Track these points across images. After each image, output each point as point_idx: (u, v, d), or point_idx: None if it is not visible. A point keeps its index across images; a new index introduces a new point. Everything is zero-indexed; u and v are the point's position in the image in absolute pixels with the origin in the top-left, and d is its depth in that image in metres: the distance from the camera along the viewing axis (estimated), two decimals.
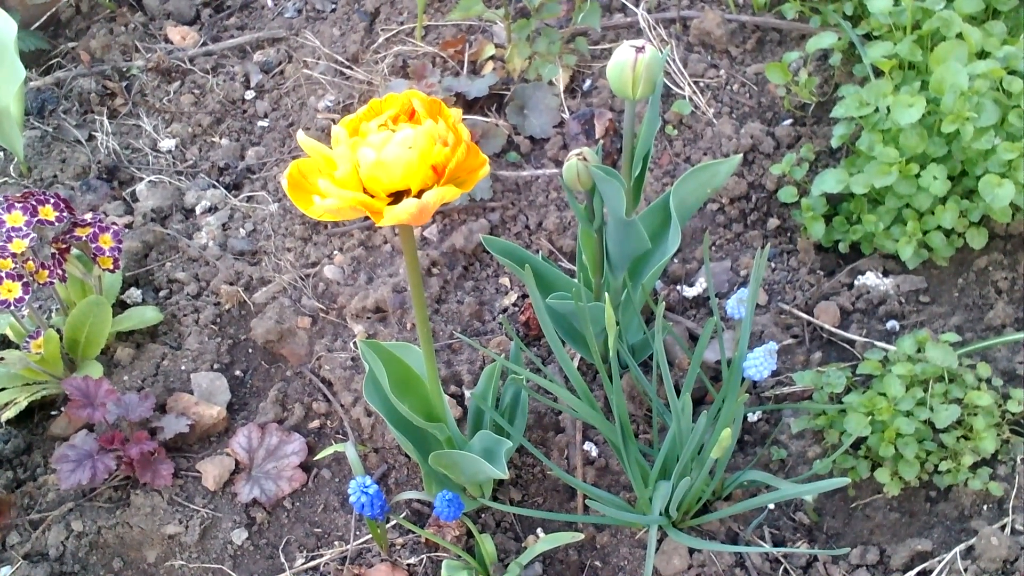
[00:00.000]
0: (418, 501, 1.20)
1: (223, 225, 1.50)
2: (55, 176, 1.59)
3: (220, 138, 1.66)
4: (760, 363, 1.03)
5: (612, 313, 0.99)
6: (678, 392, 1.07)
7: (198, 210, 1.53)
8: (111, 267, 1.24)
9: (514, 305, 1.37)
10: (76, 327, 1.26)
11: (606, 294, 1.10)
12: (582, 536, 1.12)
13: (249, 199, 1.54)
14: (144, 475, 1.16)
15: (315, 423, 1.27)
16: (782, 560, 1.13)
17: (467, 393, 1.26)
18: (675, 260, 1.40)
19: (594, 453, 1.23)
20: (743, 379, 1.03)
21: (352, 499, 1.00)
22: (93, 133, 1.67)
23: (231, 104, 1.70)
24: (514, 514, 1.19)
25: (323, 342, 1.33)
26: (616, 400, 1.08)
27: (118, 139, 1.66)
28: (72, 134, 1.66)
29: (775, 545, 1.15)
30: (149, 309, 1.35)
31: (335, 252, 1.43)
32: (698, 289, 1.38)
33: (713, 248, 1.42)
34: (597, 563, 1.15)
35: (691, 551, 1.13)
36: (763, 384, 1.28)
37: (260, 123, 1.68)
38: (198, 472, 1.21)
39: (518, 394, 1.16)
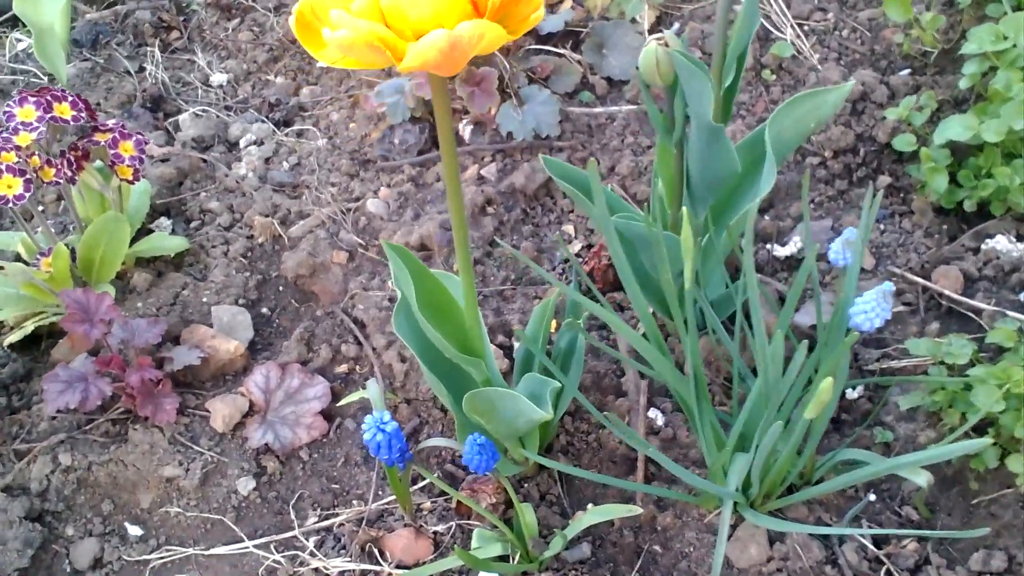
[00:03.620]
0: (452, 462, 1.04)
1: (266, 159, 1.38)
2: (98, 104, 1.49)
3: (275, 76, 1.55)
4: (872, 309, 0.84)
5: (690, 235, 0.82)
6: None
7: (242, 143, 1.41)
8: (130, 178, 1.12)
9: (577, 255, 1.21)
10: (91, 246, 1.14)
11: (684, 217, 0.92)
12: (640, 511, 0.93)
13: (298, 135, 1.41)
14: (145, 408, 1.02)
15: (343, 367, 1.12)
16: (884, 560, 0.93)
17: (516, 345, 1.10)
18: (766, 216, 1.22)
19: (660, 421, 1.05)
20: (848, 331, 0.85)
21: (367, 437, 0.84)
22: (144, 65, 1.57)
23: (291, 43, 1.59)
24: (562, 488, 1.02)
25: (359, 280, 1.18)
26: (692, 348, 0.90)
27: (169, 72, 1.56)
28: (122, 64, 1.56)
29: (875, 544, 0.95)
30: (175, 236, 1.22)
31: (381, 188, 1.28)
32: (791, 249, 1.19)
33: (812, 205, 1.23)
34: (656, 548, 0.97)
35: (771, 540, 0.94)
36: (865, 357, 1.08)
37: (319, 63, 1.55)
38: (207, 411, 1.07)
39: (574, 341, 0.99)
